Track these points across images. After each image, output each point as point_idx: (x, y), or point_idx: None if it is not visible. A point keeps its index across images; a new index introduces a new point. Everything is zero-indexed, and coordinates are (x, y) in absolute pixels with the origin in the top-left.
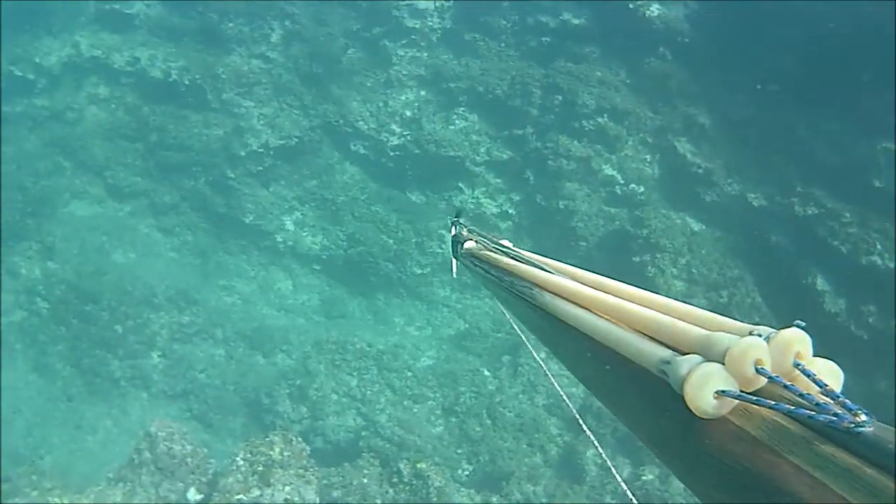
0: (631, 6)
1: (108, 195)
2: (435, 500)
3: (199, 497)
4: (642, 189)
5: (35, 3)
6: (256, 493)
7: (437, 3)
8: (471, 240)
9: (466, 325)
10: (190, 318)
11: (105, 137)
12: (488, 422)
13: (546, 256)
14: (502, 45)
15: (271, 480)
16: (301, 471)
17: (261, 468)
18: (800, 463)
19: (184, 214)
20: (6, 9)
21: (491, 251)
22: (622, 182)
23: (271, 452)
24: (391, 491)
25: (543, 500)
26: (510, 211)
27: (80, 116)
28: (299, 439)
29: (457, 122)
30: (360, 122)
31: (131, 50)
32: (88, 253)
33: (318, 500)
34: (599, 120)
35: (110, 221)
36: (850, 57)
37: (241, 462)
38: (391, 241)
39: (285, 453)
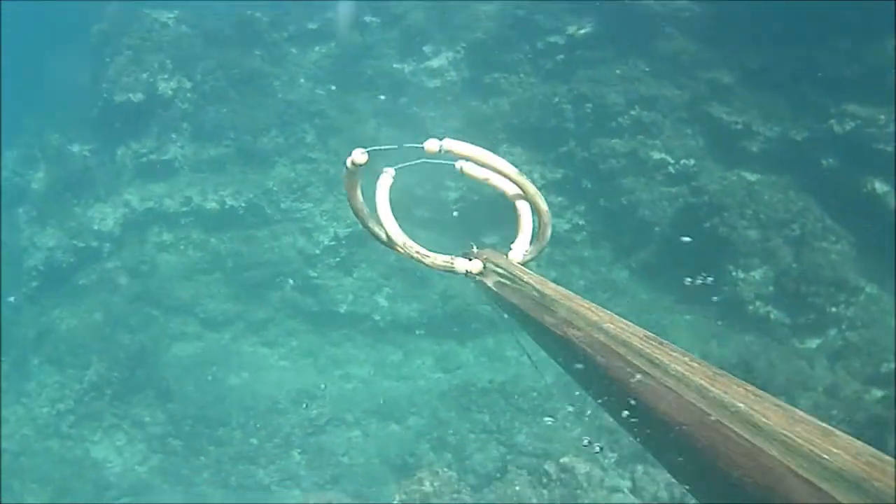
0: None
1: (204, 329)
2: (586, 485)
3: None
4: (693, 161)
5: (76, 175)
6: None
7: (449, 56)
8: (483, 259)
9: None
10: (318, 412)
11: (184, 278)
12: None
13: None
14: (521, 75)
15: None
16: (455, 495)
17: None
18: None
19: (281, 324)
20: (51, 187)
21: (520, 283)
22: (672, 161)
23: (423, 487)
24: (545, 492)
25: None
26: (580, 223)
27: (154, 266)
28: (445, 469)
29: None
30: (416, 188)
31: (181, 191)
32: (203, 385)
33: None
34: (632, 113)
35: (215, 351)
36: None
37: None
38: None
39: (436, 484)
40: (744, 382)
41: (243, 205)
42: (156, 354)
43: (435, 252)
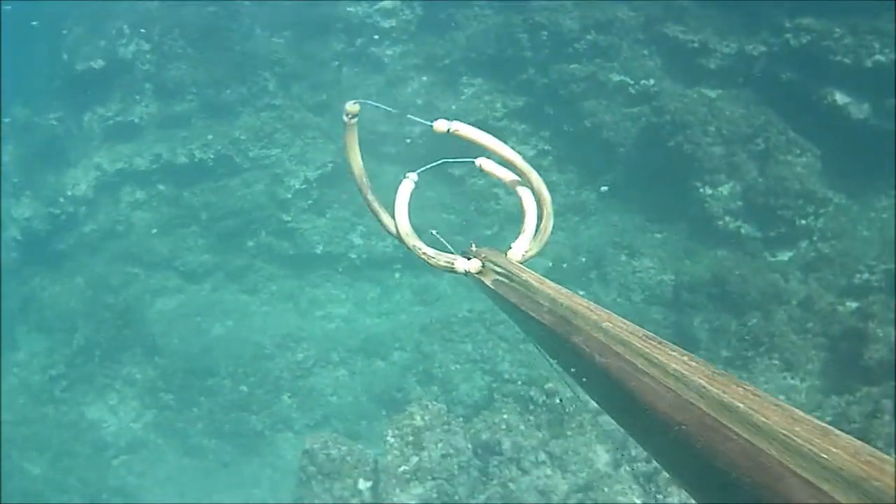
0: None
1: (185, 282)
2: (572, 408)
3: (368, 484)
4: (652, 81)
5: (45, 145)
6: (415, 459)
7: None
8: (482, 258)
9: (550, 263)
10: (304, 354)
11: (161, 234)
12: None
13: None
14: (476, 8)
15: (423, 444)
16: (446, 426)
17: (411, 438)
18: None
19: (260, 270)
20: (23, 159)
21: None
22: (632, 82)
23: (414, 421)
24: (531, 417)
25: None
26: (546, 147)
27: (130, 225)
28: (434, 402)
29: (465, 91)
30: (380, 126)
31: (149, 149)
32: (189, 338)
33: (469, 446)
34: (589, 38)
35: (197, 303)
36: None
37: (392, 440)
38: (454, 217)
39: (426, 418)
40: (743, 382)
41: (212, 156)
42: (140, 311)
43: (441, 250)
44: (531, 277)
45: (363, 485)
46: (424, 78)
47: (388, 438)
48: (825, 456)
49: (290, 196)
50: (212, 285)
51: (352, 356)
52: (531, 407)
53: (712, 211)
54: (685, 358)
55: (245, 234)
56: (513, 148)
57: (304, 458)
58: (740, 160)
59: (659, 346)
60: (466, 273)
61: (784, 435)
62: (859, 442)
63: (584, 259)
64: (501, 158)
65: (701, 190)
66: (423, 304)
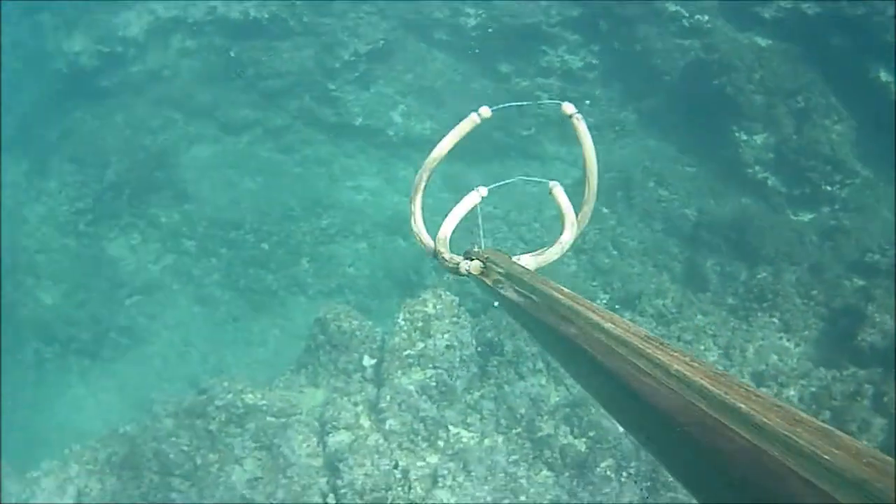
0: None
1: (223, 133)
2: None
3: (373, 361)
4: (707, 18)
5: None
6: (421, 345)
7: None
8: (483, 259)
9: (580, 172)
10: (328, 221)
11: (205, 83)
12: (615, 253)
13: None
14: None
15: (431, 332)
16: (455, 319)
17: (420, 324)
18: None
19: (298, 132)
20: None
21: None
22: (687, 15)
23: (426, 309)
24: None
25: (673, 310)
26: (593, 61)
27: (177, 71)
28: (448, 293)
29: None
30: (436, 13)
31: (205, 1)
32: (219, 188)
33: (474, 342)
34: None
35: (232, 155)
36: None
37: (403, 322)
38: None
39: (438, 307)
40: (745, 382)
41: (266, 16)
42: (174, 156)
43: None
44: (534, 279)
45: (367, 361)
46: None
47: (399, 321)
48: (827, 457)
49: (337, 66)
50: (249, 139)
51: (375, 230)
52: None
53: (744, 157)
54: (686, 359)
55: (288, 95)
56: (575, 106)
57: (316, 325)
58: (779, 113)
59: (660, 346)
60: (468, 273)
61: (786, 436)
62: (860, 443)
63: (612, 176)
64: (586, 169)
65: (736, 134)
66: (452, 191)
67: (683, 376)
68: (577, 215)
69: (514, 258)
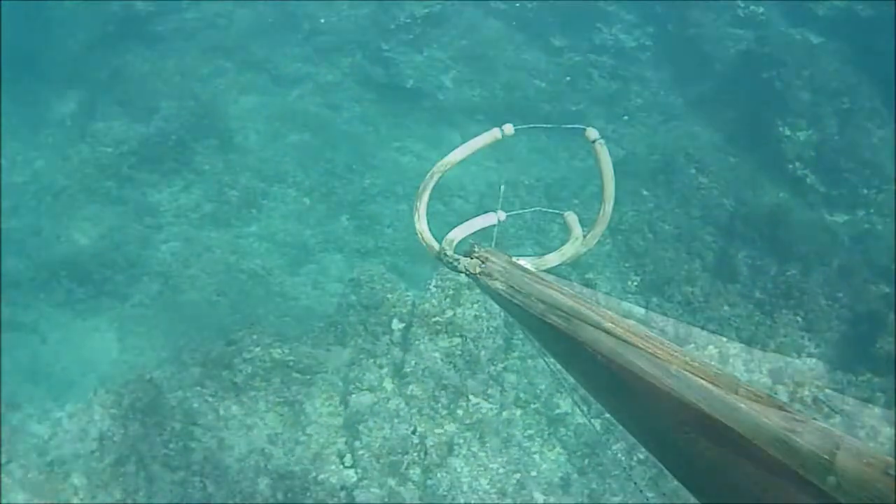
0: None
1: (273, 84)
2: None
3: (402, 325)
4: (762, 10)
5: None
6: (450, 313)
7: None
8: (482, 258)
9: (624, 152)
10: (371, 181)
11: (259, 34)
12: (650, 236)
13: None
14: None
15: (461, 301)
16: None
17: (451, 292)
18: None
19: (349, 89)
20: None
21: (511, 271)
22: (742, 5)
23: (459, 277)
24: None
25: (700, 299)
26: (647, 42)
27: (231, 20)
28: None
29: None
30: None
31: None
32: (266, 139)
33: (501, 313)
34: None
35: (281, 108)
36: None
37: (434, 289)
38: (544, 84)
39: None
40: (744, 383)
41: None
42: (223, 106)
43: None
44: (532, 279)
45: (396, 325)
46: None
47: (431, 287)
48: (826, 457)
49: (392, 27)
50: (298, 94)
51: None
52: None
53: (785, 152)
54: (687, 358)
55: (341, 52)
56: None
57: (350, 285)
58: (824, 112)
59: (661, 346)
60: (466, 272)
61: (787, 436)
62: (860, 443)
63: (655, 159)
64: (604, 193)
65: (780, 129)
66: (496, 161)
67: (684, 376)
68: (586, 235)
69: (515, 259)
